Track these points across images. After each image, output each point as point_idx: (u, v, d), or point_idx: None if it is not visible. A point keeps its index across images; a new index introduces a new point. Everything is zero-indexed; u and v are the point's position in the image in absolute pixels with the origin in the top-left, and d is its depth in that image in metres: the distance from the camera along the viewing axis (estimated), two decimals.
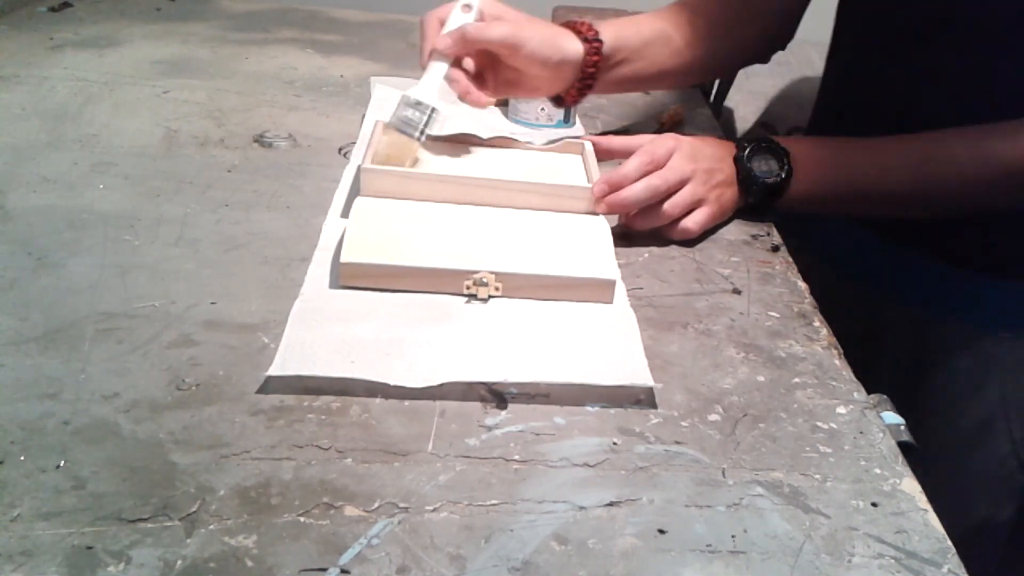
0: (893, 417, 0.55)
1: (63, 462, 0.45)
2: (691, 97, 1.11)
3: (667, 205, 0.72)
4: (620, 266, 0.67)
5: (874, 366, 0.62)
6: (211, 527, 0.42)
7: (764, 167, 0.76)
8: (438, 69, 0.73)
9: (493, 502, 0.46)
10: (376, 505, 0.45)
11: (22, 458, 0.46)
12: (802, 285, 0.70)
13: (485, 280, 0.61)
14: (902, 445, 0.53)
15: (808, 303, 0.67)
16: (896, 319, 0.89)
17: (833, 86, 0.93)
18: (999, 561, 0.92)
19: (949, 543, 0.46)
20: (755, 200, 0.77)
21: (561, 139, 0.84)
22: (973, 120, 0.74)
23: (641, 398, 0.55)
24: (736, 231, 0.78)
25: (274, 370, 0.52)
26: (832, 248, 0.91)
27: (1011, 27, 0.73)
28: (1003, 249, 0.83)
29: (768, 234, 0.78)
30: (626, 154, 0.75)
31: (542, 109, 0.93)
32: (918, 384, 0.87)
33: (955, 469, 0.86)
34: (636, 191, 0.71)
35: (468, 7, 0.74)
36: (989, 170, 0.72)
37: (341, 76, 1.08)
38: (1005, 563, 0.92)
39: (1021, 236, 0.82)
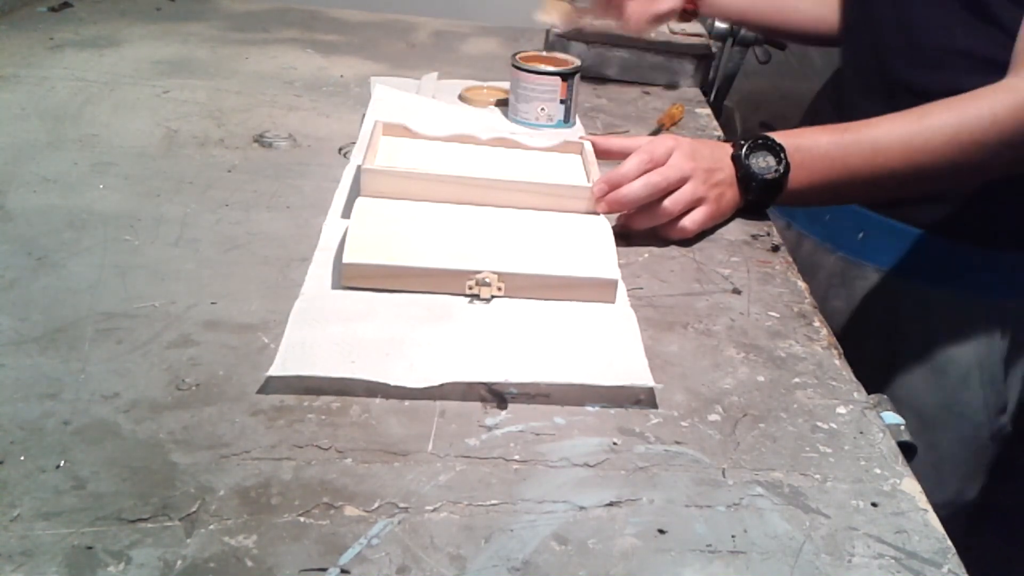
0: (893, 417, 0.55)
1: (63, 462, 0.45)
2: (691, 97, 1.11)
3: (667, 202, 0.72)
4: (620, 266, 0.66)
5: (852, 333, 0.63)
6: (211, 527, 0.42)
7: (762, 164, 0.76)
8: None
9: (493, 502, 0.46)
10: (376, 505, 0.45)
11: (22, 458, 0.46)
12: (802, 285, 0.70)
13: (488, 280, 0.61)
14: (902, 445, 0.53)
15: (808, 303, 0.67)
16: (870, 285, 0.91)
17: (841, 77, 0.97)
18: (962, 538, 0.93)
19: (949, 543, 0.46)
20: (754, 197, 0.77)
21: (561, 139, 0.84)
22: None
23: (641, 398, 0.55)
24: (736, 231, 0.78)
25: (274, 370, 0.52)
26: (810, 214, 0.95)
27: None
28: (970, 217, 0.85)
29: (768, 234, 0.78)
30: (625, 155, 0.75)
31: (542, 109, 0.93)
32: (894, 352, 0.88)
33: (931, 442, 0.87)
34: (635, 188, 0.71)
35: None
36: (978, 133, 0.72)
37: (341, 76, 1.08)
38: (967, 542, 0.93)
39: (995, 205, 0.83)
